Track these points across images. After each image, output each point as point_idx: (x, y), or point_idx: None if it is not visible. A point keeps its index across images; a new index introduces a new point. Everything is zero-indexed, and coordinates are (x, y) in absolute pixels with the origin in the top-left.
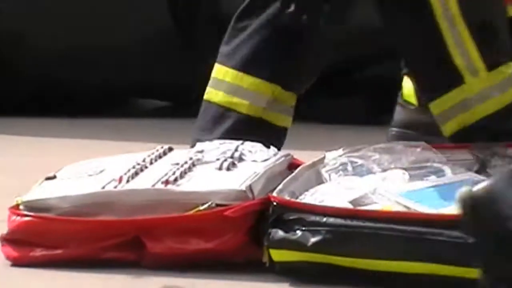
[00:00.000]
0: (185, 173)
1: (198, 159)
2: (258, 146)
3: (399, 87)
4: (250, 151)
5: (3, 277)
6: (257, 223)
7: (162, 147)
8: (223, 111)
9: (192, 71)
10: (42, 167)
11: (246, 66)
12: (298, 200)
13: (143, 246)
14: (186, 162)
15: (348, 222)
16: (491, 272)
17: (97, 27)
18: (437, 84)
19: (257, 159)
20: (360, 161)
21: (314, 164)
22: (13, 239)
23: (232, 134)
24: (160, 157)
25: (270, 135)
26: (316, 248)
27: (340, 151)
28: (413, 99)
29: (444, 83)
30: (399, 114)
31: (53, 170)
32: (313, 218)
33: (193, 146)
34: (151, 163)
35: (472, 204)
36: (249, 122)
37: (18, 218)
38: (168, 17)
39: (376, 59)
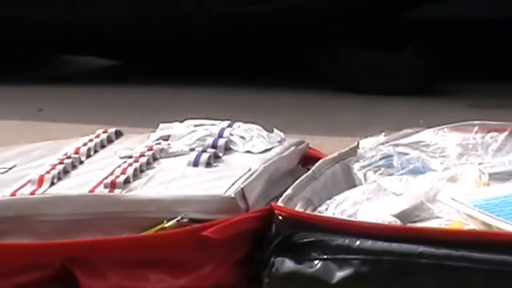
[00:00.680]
0: (142, 171)
1: (162, 150)
2: (255, 129)
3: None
4: (242, 137)
5: None
6: (252, 248)
7: (105, 131)
8: None
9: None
10: None
11: None
12: (316, 213)
13: (76, 284)
14: (143, 155)
15: (395, 246)
16: None
17: None
18: None
19: (253, 150)
20: (412, 152)
21: (341, 157)
22: None
23: None
24: (102, 146)
25: None
26: (344, 287)
27: (381, 137)
28: None
29: None
30: None
31: None
32: (340, 241)
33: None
34: (88, 155)
35: None
36: None
37: None
38: None
39: None
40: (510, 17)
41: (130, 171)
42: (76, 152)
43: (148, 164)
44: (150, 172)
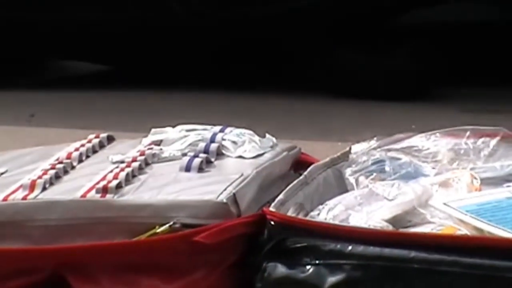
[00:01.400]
0: (134, 176)
1: (154, 155)
2: (247, 134)
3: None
4: (234, 142)
5: None
6: (244, 253)
7: (97, 136)
8: None
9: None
10: None
11: None
12: (308, 218)
13: None
14: (135, 160)
15: (387, 252)
16: None
17: None
18: None
19: (245, 155)
20: (404, 157)
21: (333, 162)
22: None
23: None
24: (94, 151)
25: None
26: None
27: (373, 142)
28: None
29: None
30: None
31: None
32: (332, 246)
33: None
34: (80, 160)
35: None
36: None
37: None
38: None
39: None
40: (503, 22)
41: (122, 176)
42: (68, 157)
43: (140, 169)
44: (142, 177)
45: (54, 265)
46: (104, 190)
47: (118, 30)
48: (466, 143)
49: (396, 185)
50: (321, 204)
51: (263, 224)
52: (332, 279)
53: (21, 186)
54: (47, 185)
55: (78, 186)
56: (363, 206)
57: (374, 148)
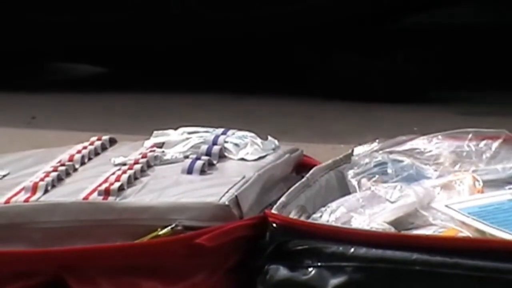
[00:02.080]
0: (136, 178)
1: (156, 157)
2: (249, 136)
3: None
4: (236, 145)
5: None
6: (246, 256)
7: (99, 138)
8: None
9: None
10: None
11: None
12: (310, 221)
13: None
14: (137, 162)
15: (389, 254)
16: None
17: None
18: None
19: (247, 157)
20: (406, 160)
21: (335, 164)
22: None
23: None
24: (96, 153)
25: None
26: None
27: (375, 144)
28: None
29: None
30: None
31: None
32: (334, 248)
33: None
34: (82, 163)
35: None
36: None
37: None
38: None
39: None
40: (502, 24)
41: (124, 178)
42: (70, 160)
43: (142, 172)
44: (144, 180)
45: (55, 268)
46: (106, 193)
47: (118, 31)
48: (468, 146)
49: (398, 187)
50: (323, 206)
51: (265, 226)
52: (334, 281)
53: (23, 188)
54: (49, 188)
55: (80, 189)
56: (365, 209)
57: (376, 151)
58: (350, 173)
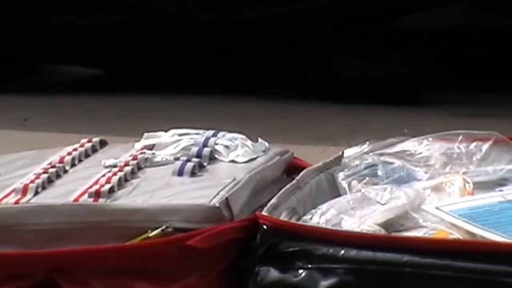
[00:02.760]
0: (126, 180)
1: (147, 159)
2: (240, 138)
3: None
4: (226, 147)
5: None
6: (237, 257)
7: (89, 140)
8: None
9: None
10: None
11: None
12: (301, 222)
13: None
14: (127, 164)
15: (380, 256)
16: None
17: None
18: None
19: (237, 159)
20: (396, 162)
21: (325, 166)
22: None
23: None
24: (87, 155)
25: None
26: None
27: (366, 146)
28: None
29: None
30: None
31: None
32: (325, 250)
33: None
34: (73, 164)
35: None
36: None
37: None
38: None
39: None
40: (493, 28)
41: (114, 180)
42: (61, 162)
43: (133, 174)
44: (134, 182)
45: (46, 270)
46: (97, 194)
47: (111, 34)
48: (458, 148)
49: (389, 189)
50: (314, 208)
51: (255, 228)
52: (324, 283)
53: (13, 190)
54: (39, 189)
55: (70, 190)
56: (356, 210)
57: (367, 153)
58: (341, 175)
